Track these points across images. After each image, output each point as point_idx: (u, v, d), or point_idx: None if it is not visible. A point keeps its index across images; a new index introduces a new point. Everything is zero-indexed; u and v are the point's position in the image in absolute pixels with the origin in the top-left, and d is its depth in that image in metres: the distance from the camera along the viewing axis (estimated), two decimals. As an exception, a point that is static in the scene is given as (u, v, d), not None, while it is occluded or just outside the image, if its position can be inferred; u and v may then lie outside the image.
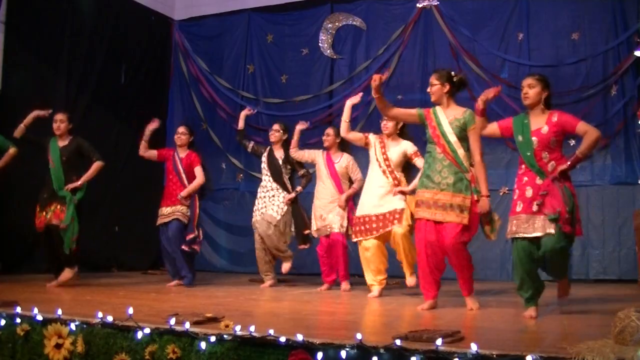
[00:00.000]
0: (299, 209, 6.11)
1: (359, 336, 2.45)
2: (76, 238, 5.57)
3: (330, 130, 5.98)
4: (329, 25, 8.27)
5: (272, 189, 6.09)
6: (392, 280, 6.73)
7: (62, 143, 5.78)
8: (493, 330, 3.20)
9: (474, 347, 2.30)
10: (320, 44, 8.28)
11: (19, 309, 3.25)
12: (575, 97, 6.98)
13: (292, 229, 6.08)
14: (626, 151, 6.75)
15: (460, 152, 4.08)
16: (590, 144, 3.61)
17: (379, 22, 8.01)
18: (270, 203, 6.03)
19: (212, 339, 2.69)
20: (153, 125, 6.18)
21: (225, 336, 2.68)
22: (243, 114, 6.45)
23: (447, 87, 4.21)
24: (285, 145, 6.15)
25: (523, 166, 3.77)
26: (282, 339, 2.56)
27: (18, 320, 3.18)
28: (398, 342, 2.40)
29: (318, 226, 5.84)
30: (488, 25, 7.46)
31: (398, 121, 5.07)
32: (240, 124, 6.40)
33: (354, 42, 8.14)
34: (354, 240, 5.24)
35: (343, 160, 5.87)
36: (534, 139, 3.71)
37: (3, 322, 3.22)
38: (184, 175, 6.02)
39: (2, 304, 3.47)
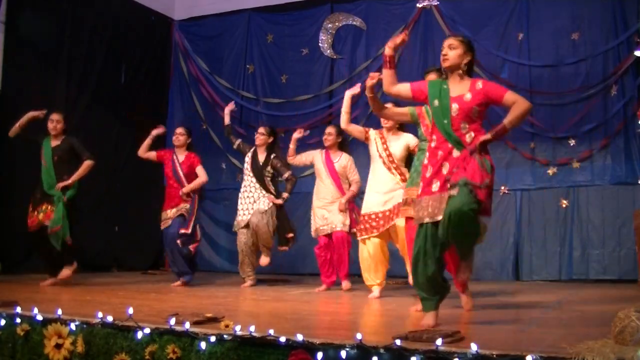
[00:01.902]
0: (283, 212, 6.10)
1: (359, 336, 2.44)
2: (68, 238, 5.58)
3: (331, 129, 5.95)
4: (329, 25, 8.27)
5: (255, 190, 6.06)
6: (392, 280, 6.75)
7: (54, 143, 5.79)
8: (493, 330, 3.20)
9: (474, 347, 2.29)
10: (320, 44, 8.28)
11: (19, 309, 3.25)
12: (575, 97, 6.98)
13: (274, 229, 6.03)
14: (626, 151, 6.74)
15: None
16: (519, 114, 3.21)
17: (379, 22, 8.00)
18: (255, 203, 6.01)
19: (212, 339, 2.69)
20: (157, 131, 6.24)
21: (225, 336, 2.68)
22: (227, 110, 6.48)
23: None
24: (270, 149, 6.14)
25: (434, 137, 3.33)
26: (282, 339, 2.55)
27: (18, 320, 3.18)
28: (398, 342, 2.40)
29: (318, 225, 5.81)
30: (488, 25, 7.46)
31: (392, 121, 4.96)
32: (226, 120, 6.44)
33: (354, 42, 8.14)
34: (359, 238, 5.14)
35: (342, 160, 5.87)
36: (454, 105, 3.27)
37: (3, 322, 3.22)
38: (184, 179, 6.01)
39: (2, 304, 3.47)
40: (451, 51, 3.38)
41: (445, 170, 3.21)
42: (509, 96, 3.25)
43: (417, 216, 3.27)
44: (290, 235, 6.04)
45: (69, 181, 5.64)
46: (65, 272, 5.61)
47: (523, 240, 7.05)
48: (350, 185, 5.87)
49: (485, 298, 4.72)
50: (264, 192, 6.03)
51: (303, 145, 8.08)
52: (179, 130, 6.23)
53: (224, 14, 8.82)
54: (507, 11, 7.37)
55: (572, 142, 7.00)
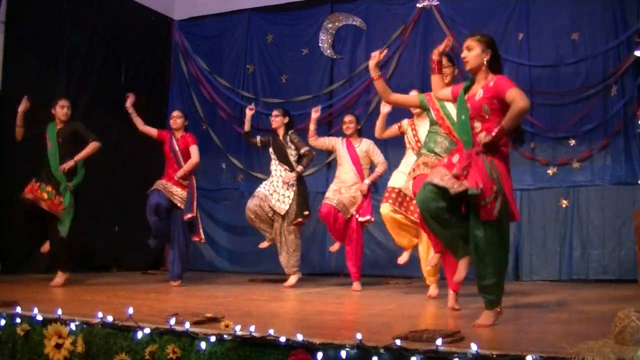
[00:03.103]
0: (304, 189, 6.09)
1: (359, 336, 2.45)
2: (73, 234, 5.58)
3: (351, 117, 6.01)
4: (329, 25, 8.27)
5: (278, 173, 6.08)
6: (392, 280, 6.76)
7: (60, 126, 5.83)
8: (493, 330, 3.20)
9: (474, 347, 2.30)
10: (320, 44, 8.27)
11: (19, 309, 3.25)
12: (575, 97, 6.98)
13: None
14: (626, 151, 6.74)
15: None
16: (513, 114, 3.13)
17: (379, 22, 8.00)
18: (274, 191, 5.99)
19: (212, 339, 2.69)
20: (130, 101, 6.37)
21: (225, 336, 2.68)
22: (249, 115, 6.42)
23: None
24: (288, 127, 6.18)
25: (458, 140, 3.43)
26: (282, 339, 2.56)
27: (18, 320, 3.18)
28: (398, 342, 2.40)
29: (329, 194, 5.82)
30: (488, 25, 7.44)
31: (398, 106, 4.89)
32: (246, 126, 6.41)
33: (354, 42, 8.14)
34: (384, 204, 5.13)
35: (363, 145, 5.89)
36: (468, 105, 3.31)
37: (3, 322, 3.22)
38: (180, 156, 6.13)
39: (2, 304, 3.47)
40: (469, 53, 3.36)
41: (455, 160, 3.25)
42: (511, 92, 3.17)
43: (429, 178, 3.27)
44: (306, 212, 6.00)
45: (72, 162, 5.63)
46: (58, 278, 5.61)
47: (523, 240, 7.05)
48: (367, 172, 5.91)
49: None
50: (287, 172, 6.04)
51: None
52: (176, 113, 6.37)
53: (224, 14, 8.82)
54: (507, 11, 7.37)
55: (572, 142, 6.99)
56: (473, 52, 3.34)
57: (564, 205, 6.97)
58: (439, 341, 2.36)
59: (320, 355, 2.45)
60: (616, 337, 2.37)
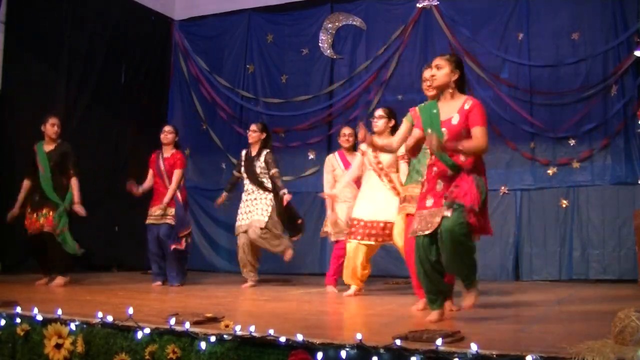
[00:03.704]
0: (283, 206, 5.91)
1: (359, 336, 2.44)
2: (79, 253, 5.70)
3: (350, 131, 5.84)
4: (329, 25, 8.27)
5: (252, 192, 6.01)
6: (392, 280, 6.76)
7: (48, 147, 5.80)
8: (493, 330, 3.20)
9: (474, 347, 2.29)
10: (320, 44, 8.28)
11: (19, 309, 3.24)
12: (575, 97, 6.99)
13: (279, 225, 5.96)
14: (626, 151, 6.75)
15: None
16: (469, 148, 3.25)
17: (379, 22, 8.01)
18: (254, 207, 5.94)
19: (212, 339, 2.69)
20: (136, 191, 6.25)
21: (225, 336, 2.68)
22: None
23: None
24: (264, 145, 6.07)
25: (432, 156, 3.43)
26: (282, 339, 2.55)
27: (18, 320, 3.18)
28: (398, 342, 2.40)
29: (342, 228, 5.57)
30: (488, 25, 7.46)
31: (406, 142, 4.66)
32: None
33: (354, 42, 8.14)
34: (350, 240, 5.03)
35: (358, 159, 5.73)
36: (443, 130, 3.33)
37: (3, 322, 3.22)
38: (165, 176, 6.10)
39: (2, 304, 3.47)
40: (438, 71, 3.42)
41: (439, 188, 3.33)
42: (476, 131, 3.28)
43: (412, 229, 3.42)
44: (299, 221, 5.99)
45: (79, 207, 5.71)
46: (58, 281, 5.63)
47: (523, 240, 7.05)
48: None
49: (486, 298, 4.72)
50: (261, 191, 5.97)
51: (305, 145, 8.14)
52: (167, 128, 6.33)
53: (224, 14, 8.82)
54: (507, 11, 7.37)
55: (572, 142, 7.00)
56: (442, 71, 3.41)
57: (564, 205, 6.97)
58: (439, 341, 2.36)
59: (320, 355, 2.45)
60: (616, 337, 2.37)
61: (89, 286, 5.61)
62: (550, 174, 7.04)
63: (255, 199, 5.96)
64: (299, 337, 2.52)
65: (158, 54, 8.83)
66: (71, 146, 5.88)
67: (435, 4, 7.67)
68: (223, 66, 8.75)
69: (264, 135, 6.11)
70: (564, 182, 6.98)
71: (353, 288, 5.07)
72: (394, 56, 7.83)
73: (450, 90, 3.41)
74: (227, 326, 2.83)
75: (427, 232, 3.28)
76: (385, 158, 5.02)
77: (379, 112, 5.12)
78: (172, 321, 2.84)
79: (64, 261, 5.72)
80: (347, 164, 5.69)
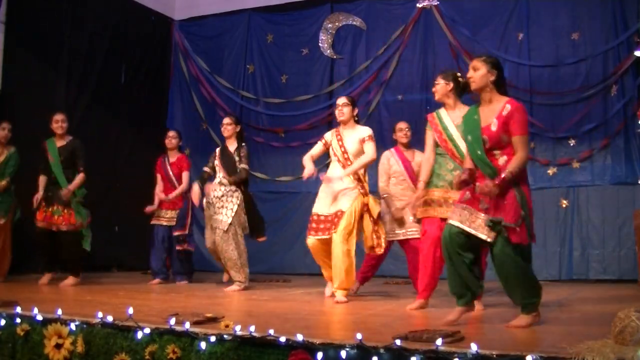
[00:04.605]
0: (252, 203, 5.76)
1: (359, 336, 2.44)
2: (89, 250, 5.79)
3: (406, 125, 5.44)
4: (329, 25, 8.27)
5: (222, 186, 5.65)
6: (392, 280, 6.75)
7: (60, 143, 5.86)
8: (493, 330, 3.20)
9: (474, 347, 2.29)
10: (320, 44, 8.28)
11: (19, 309, 3.25)
12: (575, 97, 6.99)
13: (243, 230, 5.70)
14: (626, 151, 6.75)
15: None
16: (518, 165, 3.23)
17: (379, 22, 8.01)
18: (220, 206, 5.60)
19: (212, 339, 2.69)
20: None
21: (225, 336, 2.68)
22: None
23: (451, 85, 4.11)
24: (239, 138, 5.84)
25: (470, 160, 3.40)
26: (282, 339, 2.55)
27: (18, 320, 3.18)
28: (398, 342, 2.40)
29: (395, 231, 5.23)
30: (488, 25, 7.46)
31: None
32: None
33: (354, 42, 8.15)
34: (308, 236, 4.81)
35: (417, 156, 5.29)
36: (484, 137, 3.29)
37: (3, 322, 3.22)
38: (174, 180, 6.40)
39: (2, 304, 3.47)
40: (475, 73, 3.36)
41: (477, 190, 3.25)
42: (517, 140, 3.24)
43: (449, 215, 3.38)
44: (262, 239, 5.88)
45: (68, 191, 5.69)
46: (69, 281, 5.67)
47: (523, 240, 7.04)
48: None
49: (486, 298, 4.72)
50: (233, 187, 5.65)
51: (305, 145, 8.12)
52: (172, 133, 6.57)
53: (224, 14, 8.82)
54: (507, 11, 7.37)
55: (572, 142, 7.00)
56: (479, 72, 3.34)
57: (564, 205, 6.97)
58: (439, 341, 2.36)
59: (320, 355, 2.45)
60: (616, 337, 2.37)
61: (89, 286, 5.61)
62: (550, 174, 7.04)
63: (223, 195, 5.62)
64: (299, 337, 2.52)
65: (158, 54, 8.83)
66: (81, 142, 5.92)
67: (435, 4, 7.67)
68: (223, 66, 8.75)
69: (238, 128, 5.89)
70: (564, 182, 6.98)
71: (328, 285, 4.93)
72: (394, 56, 7.83)
73: (489, 92, 3.34)
74: (227, 326, 2.83)
75: (461, 226, 3.22)
76: (351, 147, 4.78)
77: (343, 99, 4.90)
78: (172, 321, 2.84)
79: (79, 262, 5.78)
80: (404, 160, 5.32)
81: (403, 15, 7.86)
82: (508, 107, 3.26)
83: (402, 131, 5.38)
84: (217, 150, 5.96)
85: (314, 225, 4.79)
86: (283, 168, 8.25)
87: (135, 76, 8.43)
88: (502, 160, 3.27)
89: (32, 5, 7.05)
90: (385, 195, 5.29)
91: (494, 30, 7.42)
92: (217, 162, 5.80)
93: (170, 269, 6.45)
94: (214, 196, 5.64)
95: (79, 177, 5.79)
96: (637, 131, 6.74)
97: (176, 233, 6.22)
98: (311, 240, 4.78)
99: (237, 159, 5.71)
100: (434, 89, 4.26)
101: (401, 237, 5.21)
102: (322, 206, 4.79)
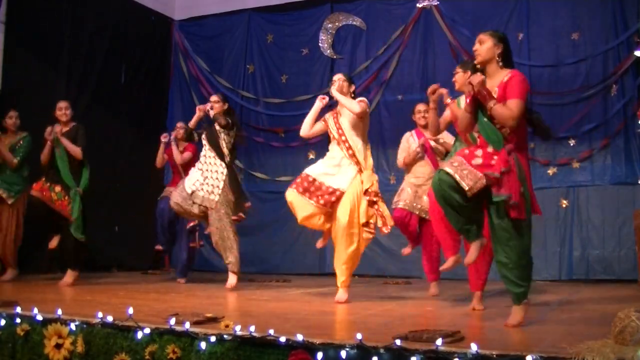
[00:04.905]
0: (235, 180, 5.75)
1: (359, 336, 2.44)
2: (83, 239, 5.70)
3: (424, 107, 5.39)
4: (329, 25, 8.27)
5: (208, 161, 5.66)
6: (392, 280, 6.76)
7: (64, 129, 5.84)
8: (493, 330, 3.20)
9: (474, 347, 2.29)
10: (320, 44, 8.28)
11: (19, 309, 3.25)
12: (575, 97, 6.99)
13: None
14: (626, 151, 6.75)
15: None
16: (498, 115, 3.23)
17: (379, 22, 8.01)
18: (203, 182, 5.57)
19: (212, 339, 2.69)
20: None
21: (225, 336, 2.68)
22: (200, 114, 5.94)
23: (469, 74, 3.54)
24: (227, 115, 5.79)
25: (479, 140, 3.42)
26: (282, 339, 2.55)
27: (18, 320, 3.18)
28: (398, 342, 2.40)
29: (414, 204, 5.33)
30: (488, 26, 7.41)
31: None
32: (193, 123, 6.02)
33: (354, 42, 8.15)
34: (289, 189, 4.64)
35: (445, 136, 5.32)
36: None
37: (3, 322, 3.22)
38: (181, 170, 6.42)
39: (2, 304, 3.47)
40: (481, 46, 3.38)
41: (478, 153, 3.24)
42: (509, 102, 3.25)
43: (449, 165, 3.27)
44: (248, 204, 5.85)
45: (65, 143, 5.69)
46: (68, 277, 5.66)
47: (523, 240, 7.05)
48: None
49: (485, 298, 4.72)
50: (218, 161, 5.64)
51: (305, 145, 8.13)
52: (179, 124, 6.62)
53: (224, 14, 8.82)
54: (507, 11, 7.37)
55: (572, 142, 7.00)
56: (485, 45, 3.36)
57: (564, 205, 6.97)
58: (439, 341, 2.36)
59: (320, 355, 2.45)
60: (616, 337, 2.37)
61: (89, 286, 5.61)
62: (550, 174, 7.04)
63: (210, 170, 5.63)
64: (299, 337, 2.52)
65: (158, 54, 8.83)
66: (84, 127, 5.89)
67: (435, 4, 7.67)
68: (223, 66, 8.75)
69: (226, 106, 5.88)
70: (564, 182, 6.98)
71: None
72: (394, 56, 7.83)
73: (495, 65, 3.35)
74: (227, 326, 2.83)
75: (451, 172, 3.17)
76: (345, 122, 4.70)
77: (339, 75, 4.91)
78: (172, 321, 2.84)
79: (77, 254, 5.73)
80: (426, 142, 5.40)
81: (403, 15, 7.86)
82: (508, 75, 3.30)
83: (420, 113, 5.48)
84: (206, 127, 5.91)
85: (305, 184, 4.58)
86: (283, 168, 8.25)
87: (135, 76, 8.43)
88: (505, 131, 3.27)
89: (32, 5, 7.05)
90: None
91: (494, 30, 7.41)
92: (204, 138, 5.82)
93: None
94: (205, 170, 5.64)
95: (75, 148, 5.72)
96: (637, 131, 6.74)
97: (191, 224, 6.20)
98: (293, 194, 4.57)
99: (222, 133, 5.69)
100: (453, 79, 4.30)
101: (417, 213, 5.31)
102: (316, 169, 4.66)
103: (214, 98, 5.93)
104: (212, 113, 5.79)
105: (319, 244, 4.94)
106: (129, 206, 7.96)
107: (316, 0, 8.36)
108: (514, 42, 7.27)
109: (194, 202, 5.57)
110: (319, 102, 4.93)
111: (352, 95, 4.86)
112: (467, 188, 3.13)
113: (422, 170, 5.41)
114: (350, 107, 4.61)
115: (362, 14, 8.11)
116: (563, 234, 6.92)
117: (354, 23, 8.18)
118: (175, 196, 5.64)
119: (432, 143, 5.36)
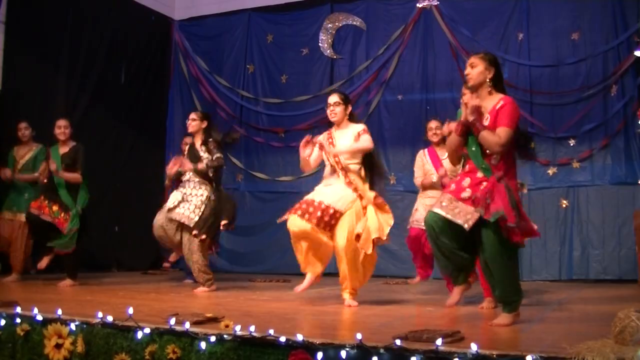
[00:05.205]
0: (217, 202, 5.49)
1: (359, 336, 2.44)
2: (73, 249, 5.63)
3: (436, 124, 5.34)
4: (329, 25, 8.27)
5: (190, 183, 5.43)
6: (392, 280, 6.75)
7: (63, 150, 5.83)
8: (493, 330, 3.20)
9: (474, 347, 2.29)
10: (320, 44, 8.28)
11: (19, 309, 3.24)
12: (575, 97, 6.99)
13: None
14: (626, 151, 6.75)
15: None
16: (486, 141, 3.20)
17: (379, 22, 8.01)
18: (183, 200, 5.34)
19: (212, 339, 2.69)
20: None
21: (225, 336, 2.68)
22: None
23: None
24: (206, 134, 5.55)
25: (468, 166, 3.41)
26: (282, 339, 2.55)
27: (18, 320, 3.18)
28: (398, 342, 2.40)
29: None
30: (488, 25, 7.46)
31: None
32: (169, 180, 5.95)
33: (354, 42, 8.15)
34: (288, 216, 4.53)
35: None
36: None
37: (3, 322, 3.22)
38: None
39: (2, 304, 3.47)
40: (472, 69, 3.35)
41: (465, 184, 3.25)
42: (500, 130, 3.20)
43: (438, 205, 3.27)
44: (224, 222, 5.69)
45: (62, 174, 5.67)
46: (66, 283, 5.64)
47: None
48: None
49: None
50: (198, 182, 5.41)
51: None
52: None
53: (224, 14, 8.82)
54: (507, 11, 7.37)
55: (572, 142, 7.00)
56: (476, 69, 3.34)
57: (564, 205, 6.97)
58: (439, 341, 2.36)
59: (320, 355, 2.45)
60: (616, 337, 2.37)
61: (89, 286, 5.61)
62: (550, 174, 7.04)
63: (192, 191, 5.40)
64: (299, 337, 2.52)
65: (158, 54, 8.83)
66: (83, 148, 5.86)
67: (435, 4, 7.67)
68: (223, 66, 8.76)
69: (204, 124, 5.59)
70: (564, 182, 6.98)
71: (308, 276, 4.64)
72: (394, 56, 7.83)
73: (487, 89, 3.34)
74: (227, 326, 2.83)
75: (441, 213, 3.19)
76: (344, 143, 4.53)
77: (334, 98, 4.57)
78: (172, 321, 2.84)
79: (74, 264, 5.72)
80: (435, 159, 5.29)
81: (403, 15, 7.86)
82: (500, 103, 3.27)
83: (431, 130, 5.34)
84: (187, 147, 5.73)
85: (303, 206, 4.46)
86: (283, 168, 8.25)
87: (135, 76, 8.44)
88: (494, 160, 3.25)
89: (32, 6, 7.05)
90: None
91: (494, 30, 7.42)
92: (186, 157, 5.56)
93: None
94: (187, 190, 5.41)
95: (75, 176, 5.73)
96: (637, 131, 6.74)
97: (171, 260, 6.09)
98: (295, 219, 4.41)
99: (203, 154, 5.44)
100: (462, 100, 4.20)
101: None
102: (315, 195, 4.57)
103: (192, 116, 5.62)
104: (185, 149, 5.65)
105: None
106: (129, 206, 7.96)
107: (316, 0, 8.36)
108: (514, 42, 7.31)
109: (173, 221, 5.30)
110: (306, 150, 4.67)
111: (348, 117, 4.61)
112: (465, 226, 3.15)
113: (436, 193, 5.17)
114: (362, 149, 4.44)
115: (362, 14, 8.11)
116: (563, 234, 6.92)
117: (354, 23, 8.18)
118: (160, 219, 5.36)
119: (449, 173, 5.09)
